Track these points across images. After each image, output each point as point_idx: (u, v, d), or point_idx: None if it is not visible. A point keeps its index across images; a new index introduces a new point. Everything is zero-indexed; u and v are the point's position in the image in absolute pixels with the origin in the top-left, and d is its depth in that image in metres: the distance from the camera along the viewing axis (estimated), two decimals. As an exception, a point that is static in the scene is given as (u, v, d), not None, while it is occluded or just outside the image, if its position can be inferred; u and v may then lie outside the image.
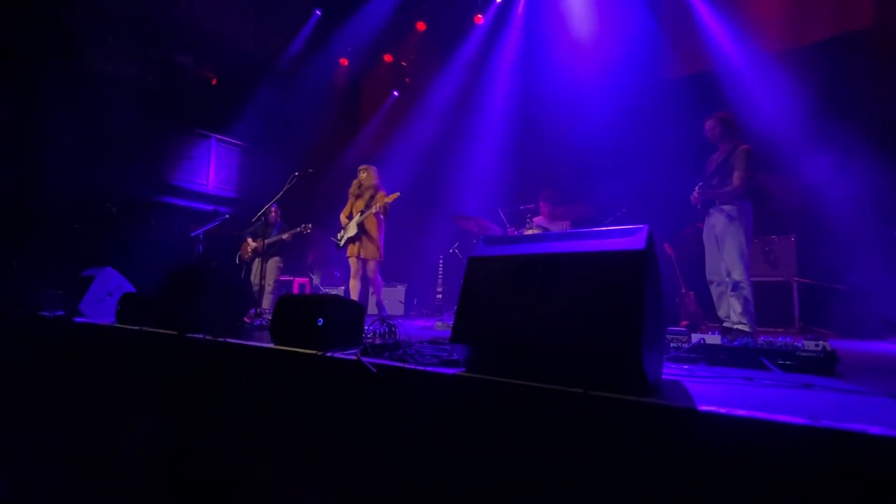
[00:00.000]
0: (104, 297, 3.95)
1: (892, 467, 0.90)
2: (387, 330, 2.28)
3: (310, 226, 5.84)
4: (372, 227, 4.75)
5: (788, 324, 4.55)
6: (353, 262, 4.81)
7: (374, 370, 1.67)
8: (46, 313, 3.93)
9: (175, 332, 2.64)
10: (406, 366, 1.66)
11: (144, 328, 2.86)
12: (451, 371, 1.55)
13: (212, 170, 8.71)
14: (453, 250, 6.34)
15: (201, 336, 2.46)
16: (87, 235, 6.72)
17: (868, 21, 4.99)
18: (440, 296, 6.51)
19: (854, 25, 5.06)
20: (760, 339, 2.00)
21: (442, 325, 4.35)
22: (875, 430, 0.93)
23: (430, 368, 1.60)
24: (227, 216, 6.18)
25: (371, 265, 4.73)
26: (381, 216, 4.75)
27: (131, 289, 4.11)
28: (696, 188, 3.64)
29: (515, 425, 1.34)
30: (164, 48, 8.29)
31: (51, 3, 6.66)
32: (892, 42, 4.77)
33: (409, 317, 6.26)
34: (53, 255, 6.06)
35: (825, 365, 1.74)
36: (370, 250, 4.71)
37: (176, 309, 2.83)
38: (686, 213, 3.99)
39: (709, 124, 3.77)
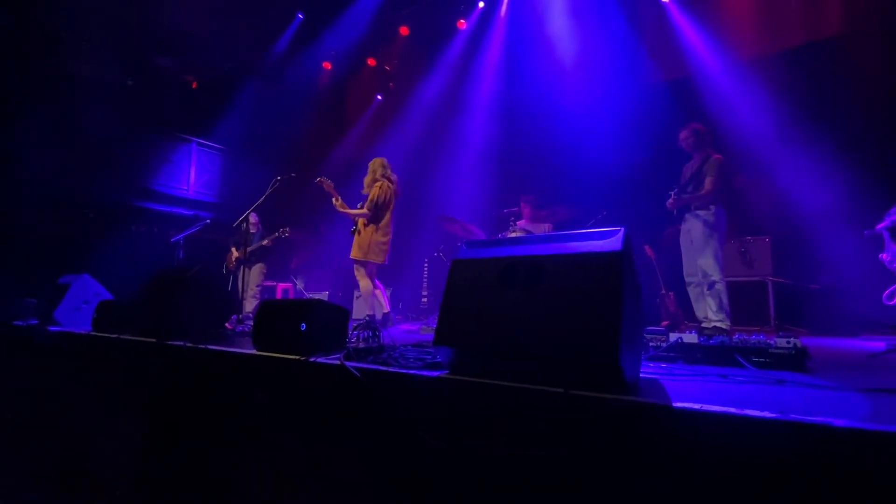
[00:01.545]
0: (80, 305, 3.86)
1: (855, 458, 0.94)
2: (371, 334, 2.28)
3: (287, 229, 5.82)
4: (360, 226, 4.49)
5: (764, 322, 4.67)
6: None
7: (358, 374, 1.67)
8: (20, 322, 3.83)
9: (154, 340, 2.59)
10: (390, 369, 1.66)
11: (123, 336, 2.81)
12: (434, 373, 1.56)
13: (192, 174, 8.59)
14: (438, 254, 6.36)
15: (182, 343, 2.42)
16: (63, 242, 6.55)
17: (837, 29, 5.18)
18: (425, 299, 6.51)
19: (824, 34, 5.25)
20: (735, 337, 2.06)
21: (427, 329, 4.36)
22: (839, 422, 0.97)
23: (413, 371, 1.61)
24: (209, 221, 6.10)
25: (356, 267, 4.47)
26: (368, 212, 4.40)
27: (109, 296, 4.02)
28: (672, 195, 3.84)
29: (498, 425, 1.36)
30: (143, 50, 8.16)
31: (27, 3, 6.50)
32: (859, 50, 4.95)
33: (393, 320, 6.24)
34: (27, 262, 5.89)
35: (796, 361, 1.80)
36: (354, 250, 4.46)
37: (155, 316, 2.79)
38: (666, 216, 4.10)
39: (683, 135, 3.98)
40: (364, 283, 4.46)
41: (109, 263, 5.54)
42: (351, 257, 4.47)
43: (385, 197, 4.45)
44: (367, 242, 4.39)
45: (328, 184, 4.57)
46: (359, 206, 4.54)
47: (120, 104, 7.49)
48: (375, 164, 4.62)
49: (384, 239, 4.46)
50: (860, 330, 4.02)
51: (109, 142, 7.30)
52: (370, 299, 4.46)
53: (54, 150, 6.60)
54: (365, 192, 4.58)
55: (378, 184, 4.48)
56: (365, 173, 4.69)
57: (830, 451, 0.96)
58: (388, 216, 4.50)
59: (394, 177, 4.63)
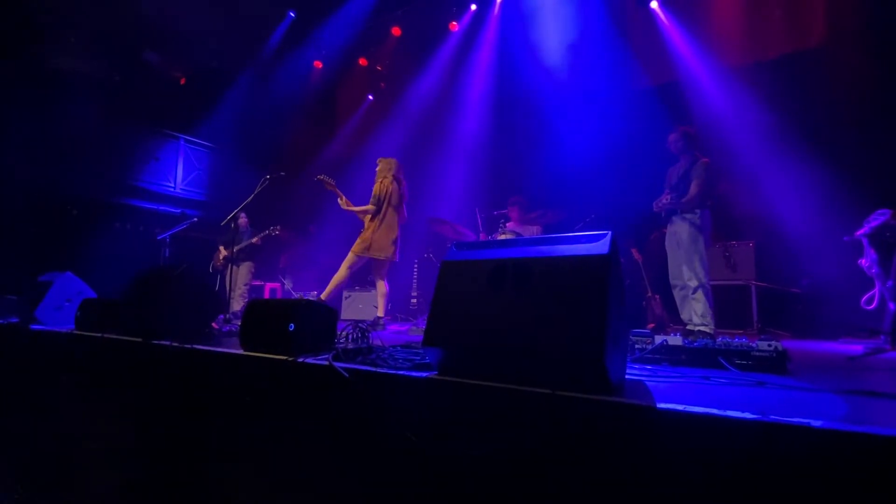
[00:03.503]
0: (63, 303, 3.79)
1: (832, 457, 0.97)
2: (359, 335, 2.27)
3: (278, 227, 5.81)
4: (366, 221, 4.48)
5: (747, 325, 4.76)
6: None
7: (347, 375, 1.67)
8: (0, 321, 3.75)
9: (140, 339, 2.56)
10: (378, 370, 1.67)
11: (107, 335, 2.76)
12: (423, 374, 1.56)
13: (180, 171, 8.49)
14: (428, 255, 6.36)
15: (168, 343, 2.39)
16: (46, 239, 6.42)
17: (820, 40, 5.31)
18: (415, 300, 6.51)
19: (807, 44, 5.38)
20: (718, 340, 2.10)
21: (416, 330, 4.35)
22: (817, 422, 1.00)
23: (402, 372, 1.61)
24: (196, 219, 6.04)
25: (348, 257, 4.41)
26: (374, 207, 4.41)
27: (93, 294, 3.96)
28: (668, 197, 3.83)
29: (486, 426, 1.37)
30: (130, 45, 8.04)
31: (8, -5, 6.38)
32: (841, 61, 5.08)
33: (385, 326, 6.22)
34: (8, 259, 5.77)
35: (777, 363, 1.85)
36: (356, 244, 4.42)
37: (141, 315, 2.75)
38: (653, 220, 4.15)
39: (672, 137, 4.00)
40: (343, 272, 4.38)
41: (93, 261, 5.46)
42: (354, 252, 4.41)
43: (386, 192, 4.44)
44: (369, 238, 4.39)
45: (329, 182, 4.53)
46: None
47: (106, 99, 7.37)
48: (386, 164, 4.62)
49: (389, 235, 4.43)
50: (840, 333, 4.12)
51: (95, 138, 7.19)
52: (334, 290, 4.38)
53: (38, 145, 6.48)
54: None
55: (379, 180, 4.51)
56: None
57: (809, 450, 0.98)
58: (389, 211, 4.45)
59: (397, 175, 4.59)
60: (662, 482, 1.10)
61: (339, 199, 4.56)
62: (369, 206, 4.43)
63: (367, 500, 1.60)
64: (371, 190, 4.57)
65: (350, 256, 4.41)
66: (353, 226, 4.78)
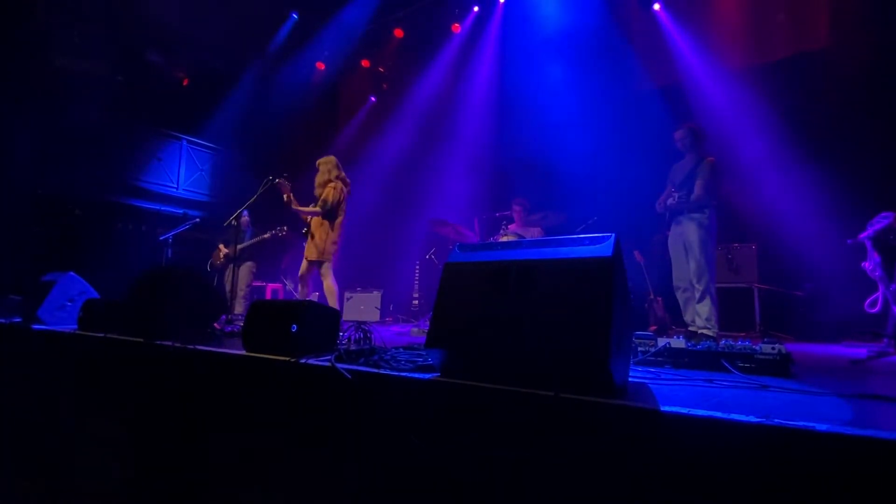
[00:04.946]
0: (65, 303, 3.79)
1: (837, 461, 0.97)
2: (362, 336, 2.27)
3: (285, 228, 5.83)
4: (316, 226, 4.54)
5: (750, 328, 4.74)
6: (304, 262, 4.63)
7: (349, 376, 1.67)
8: (2, 320, 3.75)
9: (142, 340, 2.56)
10: (381, 371, 1.66)
11: (109, 335, 2.76)
12: (425, 376, 1.56)
13: (182, 172, 8.51)
14: (430, 256, 6.36)
15: (170, 343, 2.40)
16: (48, 238, 6.44)
17: (823, 42, 5.31)
18: (416, 301, 6.51)
19: (810, 46, 5.37)
20: (722, 343, 2.09)
21: (418, 331, 4.35)
22: (822, 427, 0.99)
23: (404, 374, 1.61)
24: (198, 220, 6.06)
25: (323, 267, 4.49)
26: (322, 212, 4.48)
27: (95, 295, 3.96)
28: (674, 196, 3.77)
29: (489, 428, 1.37)
30: (133, 46, 8.07)
31: (13, -4, 6.41)
32: (844, 62, 5.07)
33: (384, 322, 6.23)
34: (10, 259, 5.78)
35: (780, 367, 1.84)
36: (311, 251, 4.50)
37: (143, 315, 2.75)
38: (655, 222, 4.14)
39: (678, 134, 3.95)
40: (328, 282, 4.48)
41: (96, 261, 5.47)
42: (310, 259, 4.52)
43: (339, 198, 4.56)
44: (323, 243, 4.49)
45: (286, 185, 4.58)
46: (311, 206, 4.60)
47: (109, 100, 7.39)
48: (329, 164, 4.68)
49: (337, 239, 4.58)
50: (842, 336, 4.11)
51: (97, 138, 7.22)
52: (331, 299, 4.45)
53: (41, 145, 6.50)
54: (317, 191, 4.65)
55: (332, 185, 4.57)
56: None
57: (813, 454, 0.98)
58: (342, 217, 4.60)
59: (343, 175, 4.69)
60: (667, 485, 1.09)
61: (284, 197, 4.56)
62: (317, 209, 4.53)
63: (369, 502, 1.59)
64: (314, 190, 4.66)
65: (321, 266, 4.49)
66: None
